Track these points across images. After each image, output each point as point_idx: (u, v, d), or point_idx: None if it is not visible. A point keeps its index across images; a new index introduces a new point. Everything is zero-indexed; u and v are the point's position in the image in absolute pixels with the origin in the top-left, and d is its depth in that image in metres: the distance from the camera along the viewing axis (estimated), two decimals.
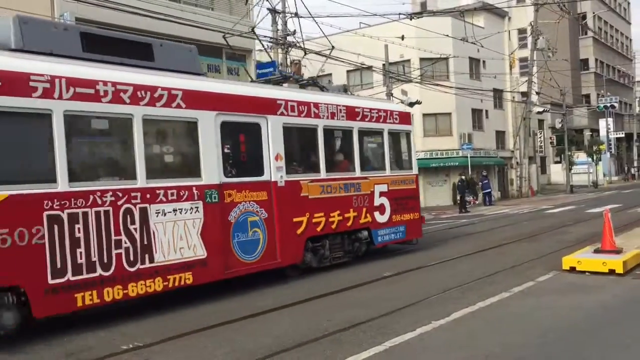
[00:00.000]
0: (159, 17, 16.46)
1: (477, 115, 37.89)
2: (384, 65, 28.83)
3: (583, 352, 5.79)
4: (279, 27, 24.03)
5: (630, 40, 71.21)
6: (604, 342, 6.05)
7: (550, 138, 47.48)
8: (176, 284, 8.44)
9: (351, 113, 11.93)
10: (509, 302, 8.01)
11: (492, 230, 18.10)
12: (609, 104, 48.44)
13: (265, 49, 20.90)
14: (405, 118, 13.64)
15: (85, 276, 7.36)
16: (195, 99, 8.93)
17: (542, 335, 6.37)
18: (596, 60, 57.14)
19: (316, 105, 11.15)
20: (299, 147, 11.34)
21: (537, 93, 40.50)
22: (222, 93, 9.53)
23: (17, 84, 6.91)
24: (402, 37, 27.12)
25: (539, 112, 41.10)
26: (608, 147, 50.30)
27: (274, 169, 10.11)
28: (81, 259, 7.34)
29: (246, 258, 9.52)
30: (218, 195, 9.09)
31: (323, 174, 11.15)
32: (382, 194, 12.51)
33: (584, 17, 53.90)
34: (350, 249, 12.06)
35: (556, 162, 49.69)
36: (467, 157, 34.17)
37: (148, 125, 8.31)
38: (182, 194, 8.59)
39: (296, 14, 21.00)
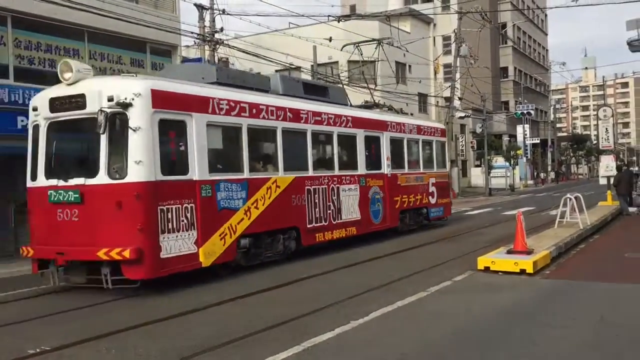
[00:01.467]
0: (77, 7, 15.82)
1: None
2: (312, 66, 28.95)
3: (493, 348, 6.01)
4: (207, 23, 23.69)
5: (547, 50, 74.86)
6: (514, 339, 6.31)
7: (471, 142, 49.14)
8: (349, 234, 14.25)
9: (419, 130, 18.16)
10: (426, 301, 8.22)
11: (413, 231, 18.48)
12: (525, 111, 50.71)
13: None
14: (444, 133, 20.33)
15: (319, 224, 13.15)
16: (356, 122, 14.91)
17: (456, 333, 6.58)
18: (515, 68, 59.69)
19: (403, 124, 17.34)
20: (395, 151, 16.69)
21: (460, 98, 41.87)
22: (365, 118, 15.61)
23: (296, 114, 12.79)
24: (330, 39, 27.33)
25: (461, 117, 42.49)
26: (524, 152, 52.60)
27: (386, 165, 16.06)
28: (317, 214, 13.09)
29: (374, 221, 15.41)
30: (365, 181, 14.99)
31: (406, 170, 17.18)
32: (432, 184, 18.51)
33: (504, 26, 56.22)
34: (418, 220, 17.89)
35: (476, 166, 51.48)
36: None
37: (338, 138, 14.19)
38: (350, 179, 14.44)
39: (224, 11, 20.79)
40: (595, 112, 38.74)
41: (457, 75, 40.26)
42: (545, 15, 73.90)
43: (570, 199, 15.41)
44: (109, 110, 9.11)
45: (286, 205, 12.19)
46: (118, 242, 8.96)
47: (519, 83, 59.64)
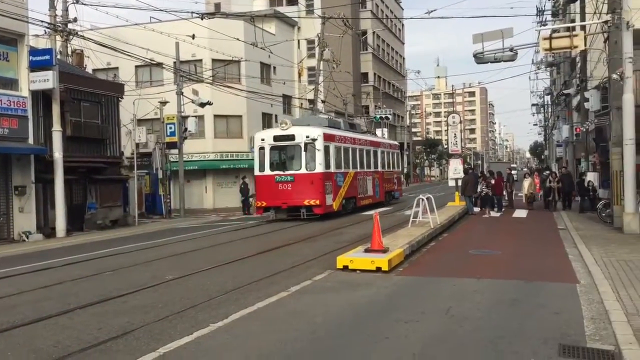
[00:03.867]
0: None
1: (267, 119, 38.92)
2: (174, 63, 28.15)
3: (349, 344, 6.18)
4: (59, 12, 22.15)
5: (404, 58, 78.91)
6: (367, 334, 6.52)
7: None
8: (368, 202, 26.29)
9: (390, 146, 32.08)
10: (286, 301, 8.29)
11: (276, 232, 18.65)
12: (384, 116, 53.07)
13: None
14: (398, 147, 34.64)
15: (361, 196, 25.61)
16: (370, 143, 28.22)
17: (314, 332, 6.69)
18: (375, 74, 62.21)
19: (384, 143, 31.85)
20: (382, 158, 29.43)
21: (323, 101, 42.80)
22: (373, 140, 29.60)
23: (354, 140, 25.90)
24: (193, 36, 26.73)
25: None
26: None
27: (380, 166, 28.76)
28: (360, 190, 25.53)
29: (377, 197, 27.77)
30: (374, 174, 27.52)
31: (386, 169, 29.91)
32: (395, 178, 31.84)
33: (365, 33, 58.44)
34: (390, 198, 30.61)
35: None
36: None
37: (365, 151, 26.83)
38: (369, 173, 26.98)
39: (77, 0, 19.57)
40: (446, 118, 41.50)
41: (321, 79, 41.20)
42: (402, 25, 77.86)
43: (422, 199, 16.34)
44: (307, 141, 21.26)
45: (353, 185, 24.50)
46: (312, 197, 21.19)
47: (378, 88, 62.30)
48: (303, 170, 21.34)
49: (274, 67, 39.01)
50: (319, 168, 21.33)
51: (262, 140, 22.27)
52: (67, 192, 20.81)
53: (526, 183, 25.34)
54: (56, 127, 20.01)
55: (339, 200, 22.83)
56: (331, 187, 22.03)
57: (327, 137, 22.08)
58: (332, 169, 22.26)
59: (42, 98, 20.21)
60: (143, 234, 20.35)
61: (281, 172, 21.59)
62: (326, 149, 21.78)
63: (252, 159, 34.97)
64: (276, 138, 21.95)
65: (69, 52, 26.46)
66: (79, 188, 22.68)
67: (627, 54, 14.53)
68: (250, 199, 30.74)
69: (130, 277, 10.89)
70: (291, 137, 21.59)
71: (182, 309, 7.92)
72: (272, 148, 22.04)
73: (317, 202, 21.09)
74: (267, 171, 21.79)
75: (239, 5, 42.65)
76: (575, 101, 33.05)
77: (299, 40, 44.43)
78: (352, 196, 24.31)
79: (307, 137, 21.29)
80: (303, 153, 21.34)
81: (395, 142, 35.70)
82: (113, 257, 14.09)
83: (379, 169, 28.56)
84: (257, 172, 22.22)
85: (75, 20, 22.51)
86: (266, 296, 8.52)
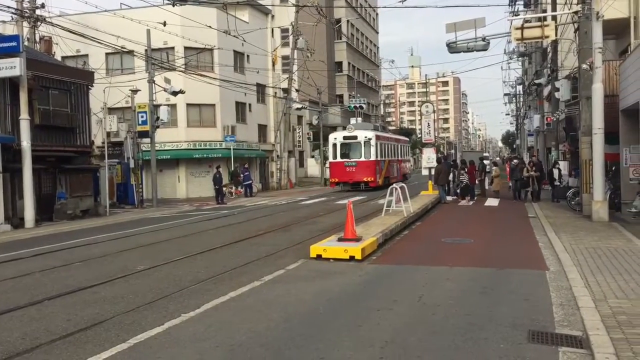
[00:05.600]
0: None
1: (241, 108, 38.64)
2: (146, 50, 27.72)
3: (321, 332, 6.17)
4: None
5: (378, 47, 78.94)
6: (341, 322, 6.53)
7: (308, 134, 50.39)
8: (394, 181, 28.60)
9: (403, 141, 45.05)
10: (259, 291, 8.26)
11: (250, 221, 18.58)
12: (358, 105, 53.08)
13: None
14: (408, 141, 50.97)
15: (392, 176, 36.20)
16: (395, 140, 41.08)
17: (287, 320, 6.67)
18: (349, 63, 62.11)
19: (401, 139, 44.89)
20: (400, 149, 41.14)
21: (297, 90, 42.69)
22: (396, 137, 43.26)
23: (389, 138, 39.27)
24: (164, 23, 26.32)
25: (298, 109, 43.33)
26: None
27: (400, 155, 40.88)
28: (391, 173, 36.51)
29: (398, 177, 37.67)
30: (396, 161, 39.00)
31: (402, 158, 42.06)
32: (406, 165, 44.37)
33: (339, 22, 58.25)
34: (405, 179, 39.93)
35: (313, 156, 52.96)
36: (230, 148, 34.65)
37: (393, 146, 38.77)
38: (394, 161, 38.22)
39: None
40: (419, 108, 41.73)
41: (295, 68, 41.03)
42: (377, 14, 77.83)
43: (396, 188, 16.40)
44: (365, 140, 32.54)
45: (388, 169, 35.11)
46: (368, 176, 32.19)
47: (353, 78, 62.26)
48: (363, 159, 32.20)
49: (248, 56, 38.67)
50: (373, 157, 32.24)
51: (335, 139, 33.52)
52: (35, 181, 20.41)
53: (493, 172, 26.42)
54: (24, 115, 19.58)
55: (382, 178, 33.38)
56: (379, 170, 32.78)
57: (377, 137, 33.20)
58: (379, 158, 33.03)
59: (9, 85, 19.74)
60: (114, 224, 20.09)
61: (348, 160, 32.39)
62: (376, 145, 32.55)
63: (226, 149, 35.25)
64: (345, 137, 33.11)
65: (37, 39, 25.88)
66: (48, 177, 22.25)
67: (596, 44, 14.73)
68: (224, 189, 30.61)
69: (100, 267, 10.74)
70: (355, 137, 32.73)
71: (153, 300, 7.83)
72: (342, 144, 32.94)
73: (372, 179, 31.87)
74: (339, 159, 32.67)
75: None
76: (546, 91, 33.47)
77: (272, 29, 44.06)
78: (387, 176, 34.61)
79: (365, 137, 32.47)
80: (363, 148, 32.32)
81: (406, 138, 51.23)
82: (83, 247, 13.88)
83: (399, 157, 40.03)
84: (331, 160, 33.54)
85: (43, 6, 22.02)
86: (239, 286, 8.48)
